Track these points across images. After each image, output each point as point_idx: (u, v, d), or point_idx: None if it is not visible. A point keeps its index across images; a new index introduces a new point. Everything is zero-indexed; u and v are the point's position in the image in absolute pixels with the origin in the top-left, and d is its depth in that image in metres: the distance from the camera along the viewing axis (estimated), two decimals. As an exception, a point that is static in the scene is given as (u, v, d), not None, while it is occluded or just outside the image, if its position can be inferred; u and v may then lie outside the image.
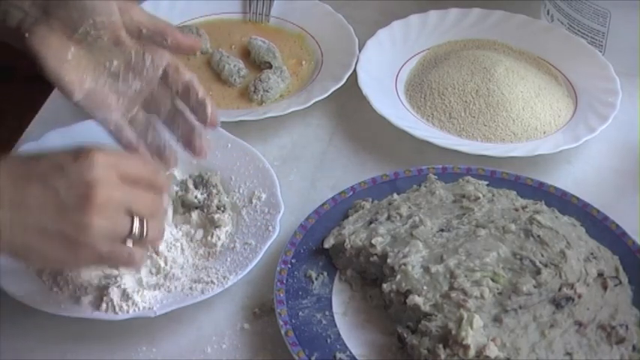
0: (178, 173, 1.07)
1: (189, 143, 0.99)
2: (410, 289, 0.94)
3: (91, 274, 0.97)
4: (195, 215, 1.04)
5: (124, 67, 0.97)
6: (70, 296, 0.96)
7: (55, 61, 0.94)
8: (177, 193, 1.05)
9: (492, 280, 0.94)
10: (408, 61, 1.28)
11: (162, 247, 1.00)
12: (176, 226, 1.03)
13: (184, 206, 1.05)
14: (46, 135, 1.10)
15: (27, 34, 0.95)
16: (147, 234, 0.87)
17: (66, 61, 0.95)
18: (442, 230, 1.01)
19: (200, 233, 1.03)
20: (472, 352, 0.89)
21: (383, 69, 1.25)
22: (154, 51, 0.98)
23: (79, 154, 0.85)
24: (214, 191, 1.05)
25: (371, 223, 1.02)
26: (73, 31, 0.95)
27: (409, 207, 1.04)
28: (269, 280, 0.99)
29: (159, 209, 0.90)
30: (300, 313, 0.96)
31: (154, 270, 0.99)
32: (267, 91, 1.21)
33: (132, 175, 0.87)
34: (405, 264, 0.96)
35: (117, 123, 0.97)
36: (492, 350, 0.89)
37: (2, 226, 0.82)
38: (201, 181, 1.06)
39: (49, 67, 0.94)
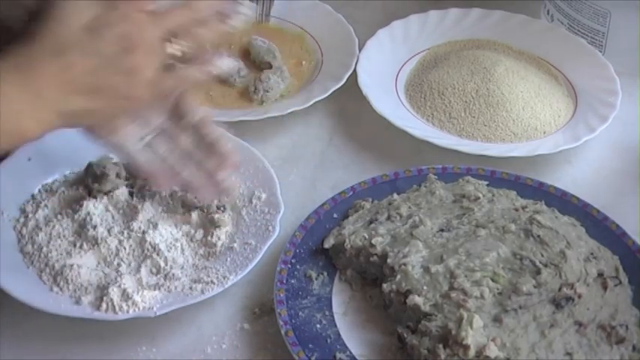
0: None
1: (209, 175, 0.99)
2: (410, 289, 0.94)
3: (91, 274, 0.97)
4: (195, 215, 1.04)
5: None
6: (70, 296, 0.96)
7: None
8: (177, 193, 1.05)
9: (492, 280, 0.94)
10: (408, 61, 1.29)
11: (162, 247, 1.00)
12: (176, 226, 1.03)
13: (184, 206, 1.05)
14: (46, 135, 1.09)
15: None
16: (182, 49, 0.89)
17: None
18: (442, 230, 1.01)
19: (200, 233, 1.03)
20: (472, 352, 0.89)
21: (383, 69, 1.26)
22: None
23: (103, 11, 0.86)
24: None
25: (371, 223, 1.02)
26: None
27: (409, 207, 1.04)
28: (269, 280, 0.99)
29: (190, 19, 0.90)
30: (300, 313, 0.96)
31: (154, 270, 0.99)
32: (267, 91, 1.21)
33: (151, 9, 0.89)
34: (405, 264, 0.96)
35: (133, 150, 0.97)
36: (492, 350, 0.89)
37: (55, 99, 0.84)
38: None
39: None
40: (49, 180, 1.08)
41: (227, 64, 0.94)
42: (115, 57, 0.86)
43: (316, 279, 1.00)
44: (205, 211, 1.04)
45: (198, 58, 0.91)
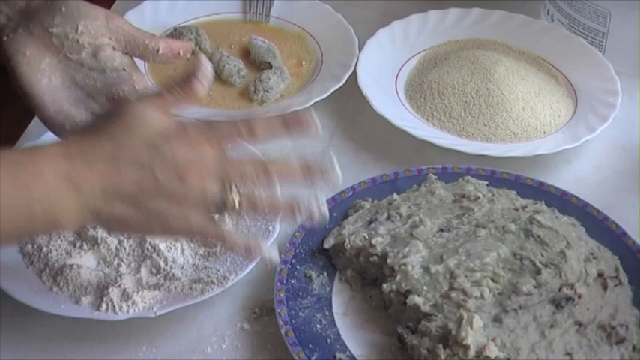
0: None
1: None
2: (410, 289, 0.94)
3: (91, 274, 0.97)
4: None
5: (100, 88, 0.95)
6: (70, 296, 0.96)
7: (28, 68, 0.92)
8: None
9: (492, 280, 0.94)
10: (408, 61, 1.28)
11: (162, 247, 1.00)
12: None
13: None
14: (46, 135, 1.09)
15: (5, 38, 0.93)
16: (239, 205, 0.86)
17: (39, 70, 0.92)
18: (442, 230, 1.01)
19: (200, 233, 1.03)
20: (472, 352, 0.89)
21: (383, 69, 1.26)
22: (135, 72, 0.96)
23: (171, 132, 0.84)
24: None
25: (371, 223, 1.02)
26: (51, 36, 0.92)
27: (409, 207, 1.04)
28: (269, 280, 0.99)
29: (256, 178, 0.86)
30: (300, 313, 0.96)
31: (154, 270, 0.99)
32: (267, 91, 1.21)
33: (226, 142, 0.86)
34: (405, 264, 0.96)
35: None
36: (492, 350, 0.89)
37: (104, 209, 0.82)
38: None
39: (20, 73, 0.92)
40: (49, 180, 1.08)
41: (272, 254, 0.90)
42: (166, 182, 0.83)
43: (316, 279, 1.00)
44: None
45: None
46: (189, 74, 0.86)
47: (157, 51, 0.96)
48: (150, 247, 1.00)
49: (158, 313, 0.94)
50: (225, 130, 0.86)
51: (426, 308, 0.93)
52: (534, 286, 0.94)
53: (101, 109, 0.95)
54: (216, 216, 1.02)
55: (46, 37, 0.93)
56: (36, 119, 1.19)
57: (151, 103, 0.85)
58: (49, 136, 1.09)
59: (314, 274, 1.00)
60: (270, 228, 1.02)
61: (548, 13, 1.34)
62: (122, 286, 0.96)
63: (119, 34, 0.95)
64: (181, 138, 0.84)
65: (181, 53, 0.97)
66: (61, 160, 0.81)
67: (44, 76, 0.93)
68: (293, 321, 0.95)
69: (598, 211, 1.06)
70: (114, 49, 0.95)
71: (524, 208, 1.03)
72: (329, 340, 0.94)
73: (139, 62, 1.23)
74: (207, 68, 0.87)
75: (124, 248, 1.00)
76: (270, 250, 0.90)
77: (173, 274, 0.98)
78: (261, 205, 0.87)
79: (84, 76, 0.95)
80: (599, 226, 1.04)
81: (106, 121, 0.85)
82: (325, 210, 0.88)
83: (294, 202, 0.87)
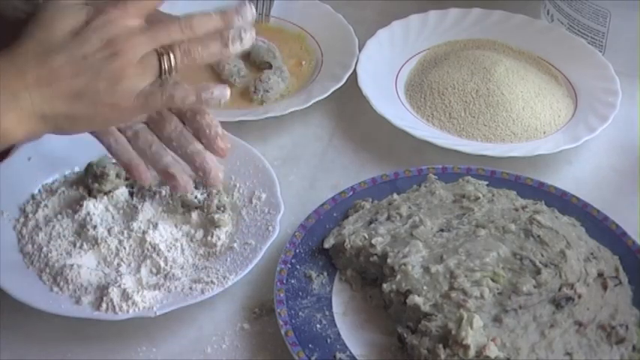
0: None
1: (194, 162, 0.93)
2: (410, 289, 0.94)
3: (91, 274, 0.97)
4: (195, 215, 1.04)
5: None
6: (70, 296, 0.96)
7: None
8: (176, 193, 1.05)
9: (492, 280, 0.94)
10: (408, 61, 1.28)
11: (162, 247, 1.00)
12: (176, 226, 1.03)
13: (184, 206, 1.05)
14: (46, 135, 1.09)
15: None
16: (175, 61, 0.86)
17: None
18: (442, 230, 1.01)
19: (200, 233, 1.03)
20: (472, 352, 0.89)
21: (383, 69, 1.26)
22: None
23: (92, 16, 0.85)
24: (214, 191, 1.05)
25: (371, 223, 1.02)
26: None
27: (409, 207, 1.04)
28: (269, 280, 0.99)
29: (183, 34, 0.87)
30: (300, 313, 0.96)
31: (154, 270, 0.99)
32: (268, 91, 1.21)
33: (146, 8, 0.87)
34: (405, 264, 0.96)
35: (116, 139, 0.94)
36: (492, 350, 0.89)
37: (48, 106, 0.83)
38: (200, 181, 1.06)
39: None
40: (49, 180, 1.08)
41: (222, 92, 0.90)
42: (99, 62, 0.84)
43: (316, 279, 1.00)
44: (205, 211, 1.04)
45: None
46: None
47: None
48: (150, 247, 1.00)
49: (158, 313, 0.94)
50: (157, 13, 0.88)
51: (426, 308, 0.93)
52: (534, 286, 0.94)
53: None
54: (216, 216, 1.03)
55: None
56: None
57: None
58: (50, 136, 1.09)
59: (314, 274, 1.00)
60: (270, 228, 1.02)
61: (548, 13, 1.34)
62: (122, 286, 0.96)
63: None
64: (103, 18, 0.84)
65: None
66: None
67: None
68: (293, 321, 0.95)
69: (598, 211, 1.06)
70: None
71: (524, 208, 1.03)
72: (329, 340, 0.94)
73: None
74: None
75: (124, 248, 1.00)
76: (218, 88, 0.88)
77: (173, 274, 0.98)
78: (196, 51, 0.86)
79: None
80: (599, 226, 1.04)
81: (27, 26, 0.86)
82: (253, 34, 0.89)
83: (224, 34, 0.87)
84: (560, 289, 0.95)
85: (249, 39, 0.89)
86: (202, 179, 0.94)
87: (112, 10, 0.85)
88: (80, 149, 1.09)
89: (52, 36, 0.85)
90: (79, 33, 0.85)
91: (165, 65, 0.86)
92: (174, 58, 0.86)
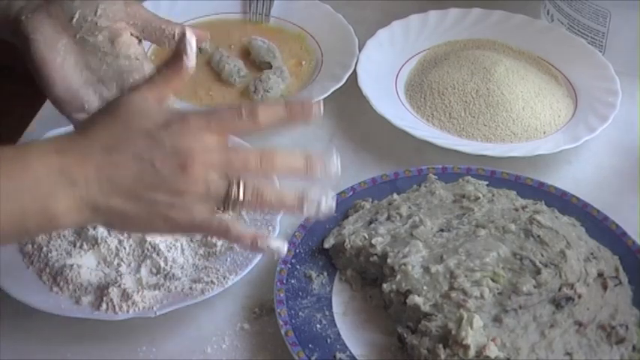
0: None
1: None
2: (410, 289, 0.94)
3: (91, 274, 0.97)
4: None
5: (111, 74, 0.95)
6: (70, 296, 0.96)
7: (44, 47, 0.93)
8: None
9: (492, 280, 0.94)
10: (408, 61, 1.28)
11: (162, 247, 1.00)
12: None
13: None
14: (46, 135, 1.10)
15: (23, 17, 0.93)
16: (243, 197, 0.81)
17: (55, 49, 0.93)
18: (442, 230, 1.01)
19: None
20: (472, 352, 0.89)
21: (383, 69, 1.26)
22: (147, 63, 0.96)
23: (170, 120, 0.80)
24: None
25: (371, 223, 1.02)
26: (70, 17, 0.94)
27: (409, 207, 1.04)
28: (269, 280, 0.99)
29: (260, 168, 0.82)
30: (300, 313, 0.96)
31: (154, 270, 0.99)
32: (268, 91, 1.21)
33: (227, 128, 0.83)
34: (405, 264, 0.96)
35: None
36: (492, 350, 0.89)
37: (101, 201, 0.79)
38: None
39: (35, 50, 0.93)
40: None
41: (279, 248, 0.84)
42: (165, 170, 0.79)
43: (316, 279, 1.00)
44: None
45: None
46: (175, 52, 0.84)
47: (173, 36, 0.97)
48: (150, 247, 1.00)
49: (158, 313, 0.94)
50: (226, 116, 0.82)
51: (426, 308, 0.93)
52: (534, 286, 0.94)
53: (109, 95, 0.94)
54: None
55: (65, 18, 0.94)
56: (37, 119, 1.19)
57: (146, 92, 0.82)
58: (50, 136, 1.09)
59: (314, 274, 1.00)
60: (270, 227, 1.02)
61: (548, 13, 1.34)
62: (122, 286, 0.96)
63: (137, 19, 0.96)
64: (181, 126, 0.80)
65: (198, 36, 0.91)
66: (52, 154, 0.79)
67: (59, 55, 0.94)
68: (293, 321, 0.95)
69: (598, 211, 1.06)
70: (131, 34, 0.96)
71: (524, 208, 1.03)
72: (329, 340, 0.94)
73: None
74: (191, 44, 0.84)
75: (124, 248, 1.00)
76: (276, 241, 0.84)
77: (173, 274, 0.98)
78: (268, 196, 0.82)
79: (97, 61, 0.95)
80: (599, 226, 1.04)
81: (101, 115, 0.82)
82: (333, 203, 0.84)
83: (302, 194, 0.83)
84: (560, 289, 0.95)
85: (326, 208, 0.83)
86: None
87: (193, 119, 0.80)
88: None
89: (125, 132, 0.80)
90: (153, 135, 0.79)
91: (233, 196, 0.81)
92: (244, 192, 0.81)
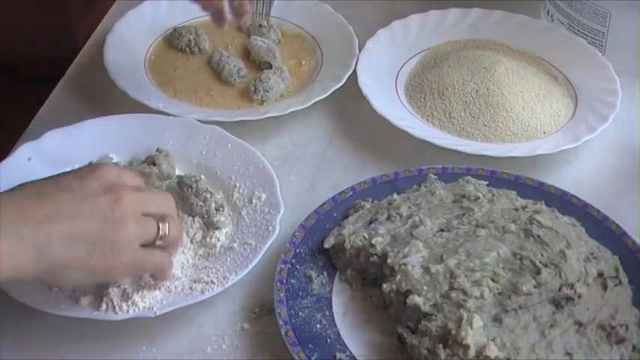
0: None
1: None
2: (410, 289, 0.94)
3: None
4: (196, 220, 1.04)
5: None
6: (70, 296, 0.96)
7: None
8: (178, 201, 1.04)
9: (492, 280, 0.94)
10: (408, 61, 1.29)
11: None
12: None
13: (185, 212, 1.04)
14: (46, 135, 1.10)
15: None
16: (169, 233, 0.92)
17: None
18: (442, 230, 1.01)
19: (200, 235, 1.03)
20: (472, 352, 0.89)
21: (383, 69, 1.26)
22: None
23: (85, 170, 0.90)
24: (207, 195, 1.05)
25: (371, 223, 1.02)
26: None
27: (409, 207, 1.04)
28: (269, 280, 0.99)
29: (173, 208, 0.95)
30: (300, 313, 0.96)
31: (153, 270, 0.99)
32: (268, 91, 1.21)
33: (138, 185, 0.92)
34: (405, 264, 0.96)
35: None
36: (492, 350, 0.89)
37: (44, 244, 0.84)
38: (191, 187, 1.06)
39: None
40: (49, 180, 1.08)
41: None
42: (101, 205, 0.87)
43: (316, 279, 1.00)
44: (206, 217, 1.04)
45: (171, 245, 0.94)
46: None
47: None
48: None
49: (158, 313, 0.94)
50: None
51: (426, 308, 0.93)
52: (534, 286, 0.94)
53: None
54: (215, 218, 1.03)
55: None
56: (36, 119, 1.19)
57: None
58: (50, 136, 1.10)
59: (314, 274, 1.00)
60: (270, 228, 1.02)
61: (548, 13, 1.34)
62: (122, 286, 0.95)
63: None
64: (103, 169, 0.90)
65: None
66: None
67: None
68: (293, 321, 0.95)
69: (598, 211, 1.06)
70: None
71: (524, 208, 1.03)
72: (329, 340, 0.94)
73: (140, 60, 1.24)
74: None
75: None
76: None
77: (173, 274, 0.98)
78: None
79: None
80: (599, 226, 1.04)
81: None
82: None
83: None
84: (560, 289, 0.95)
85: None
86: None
87: (112, 167, 0.92)
88: (80, 149, 1.09)
89: (59, 179, 0.89)
90: (82, 177, 0.88)
91: (162, 232, 0.91)
92: (168, 230, 0.92)
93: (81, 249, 0.85)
